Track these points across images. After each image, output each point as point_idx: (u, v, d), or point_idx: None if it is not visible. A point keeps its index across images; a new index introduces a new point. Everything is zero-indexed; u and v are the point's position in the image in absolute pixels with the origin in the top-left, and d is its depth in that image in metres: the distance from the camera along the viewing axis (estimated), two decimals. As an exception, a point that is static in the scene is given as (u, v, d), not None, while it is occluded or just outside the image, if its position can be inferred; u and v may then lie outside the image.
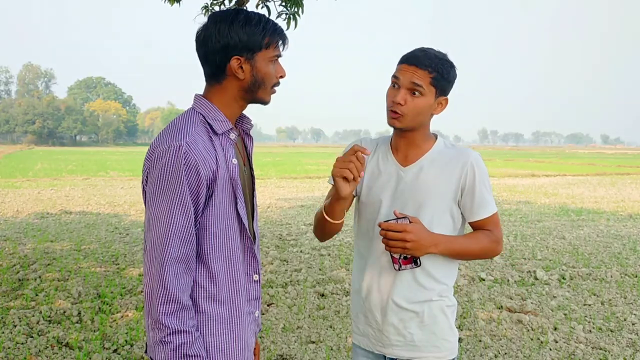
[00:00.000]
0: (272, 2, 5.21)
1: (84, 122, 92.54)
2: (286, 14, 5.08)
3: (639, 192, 15.28)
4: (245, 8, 5.75)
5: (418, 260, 1.52)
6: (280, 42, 1.40)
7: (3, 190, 13.68)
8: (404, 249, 1.45)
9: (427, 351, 1.58)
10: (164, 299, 1.23)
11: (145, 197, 1.31)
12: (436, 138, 1.63)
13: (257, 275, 1.48)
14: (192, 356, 1.27)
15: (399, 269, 1.53)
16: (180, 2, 5.56)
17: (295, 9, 5.04)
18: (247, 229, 1.42)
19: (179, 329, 1.25)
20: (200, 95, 1.42)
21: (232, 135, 1.41)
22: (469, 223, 1.62)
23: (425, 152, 1.59)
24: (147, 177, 1.31)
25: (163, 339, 1.24)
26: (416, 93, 1.49)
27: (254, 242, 1.47)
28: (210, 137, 1.35)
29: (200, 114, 1.37)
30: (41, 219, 9.01)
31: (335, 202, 1.56)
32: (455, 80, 1.57)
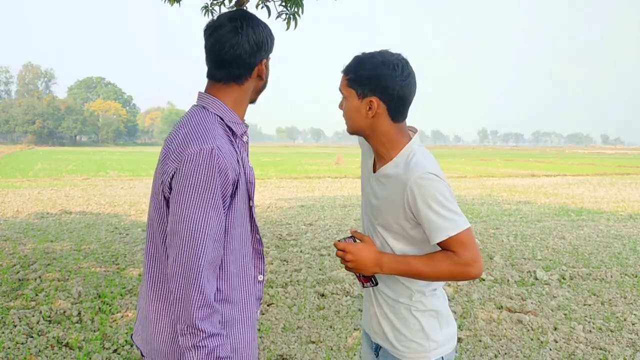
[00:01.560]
0: (272, 2, 5.20)
1: (84, 122, 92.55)
2: (286, 14, 5.08)
3: (639, 192, 15.27)
4: (245, 8, 5.76)
5: (373, 279, 1.55)
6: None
7: (3, 190, 13.68)
8: (347, 268, 1.50)
9: (398, 347, 1.60)
10: (200, 304, 1.22)
11: (170, 200, 1.27)
12: (405, 145, 1.53)
13: (262, 276, 1.49)
14: (223, 358, 1.27)
15: (363, 287, 1.60)
16: (180, 2, 5.56)
17: (295, 9, 5.04)
18: (259, 231, 1.44)
19: (213, 332, 1.25)
20: (210, 94, 1.38)
21: (245, 138, 1.41)
22: None
23: (386, 162, 1.54)
24: (172, 178, 1.26)
25: (198, 344, 1.23)
26: (343, 99, 1.55)
27: (262, 244, 1.48)
28: (230, 139, 1.34)
29: (217, 115, 1.35)
30: (41, 219, 9.01)
31: None
32: (385, 77, 1.45)
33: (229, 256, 1.34)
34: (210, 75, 1.40)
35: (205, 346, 1.23)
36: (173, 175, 1.25)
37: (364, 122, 1.51)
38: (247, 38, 1.32)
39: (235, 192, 1.31)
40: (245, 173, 1.35)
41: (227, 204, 1.29)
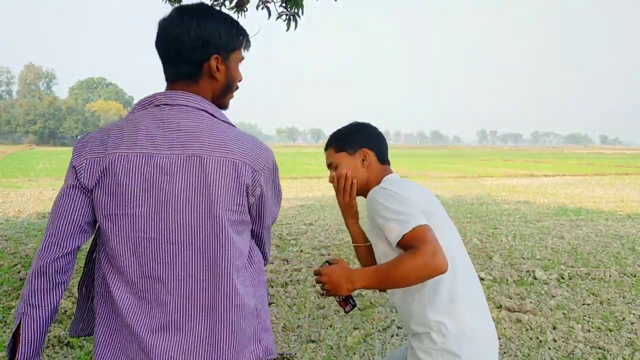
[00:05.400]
0: (272, 3, 5.23)
1: (85, 122, 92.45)
2: (286, 14, 5.10)
3: (637, 192, 15.28)
4: (246, 9, 5.70)
5: (351, 300, 1.64)
6: (247, 45, 1.36)
7: (4, 190, 13.69)
8: (325, 290, 1.56)
9: None
10: None
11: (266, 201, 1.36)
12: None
13: None
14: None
15: (345, 312, 1.67)
16: (181, 3, 5.58)
17: (295, 10, 5.06)
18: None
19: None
20: (198, 95, 1.27)
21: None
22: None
23: None
24: (262, 184, 1.31)
25: None
26: (337, 167, 1.76)
27: None
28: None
29: (225, 122, 1.31)
30: (42, 218, 9.03)
31: (351, 224, 1.83)
32: (364, 129, 1.78)
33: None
34: (165, 73, 1.30)
35: None
36: (264, 182, 1.37)
37: (363, 174, 1.74)
38: (188, 31, 1.22)
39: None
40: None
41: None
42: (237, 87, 1.37)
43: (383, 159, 1.78)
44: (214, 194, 1.18)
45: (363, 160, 1.73)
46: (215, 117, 1.27)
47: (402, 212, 1.50)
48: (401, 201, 1.54)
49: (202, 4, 1.30)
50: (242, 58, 1.35)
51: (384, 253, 1.63)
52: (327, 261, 1.61)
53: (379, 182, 1.71)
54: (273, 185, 1.35)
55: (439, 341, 1.49)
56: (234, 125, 1.31)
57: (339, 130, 1.80)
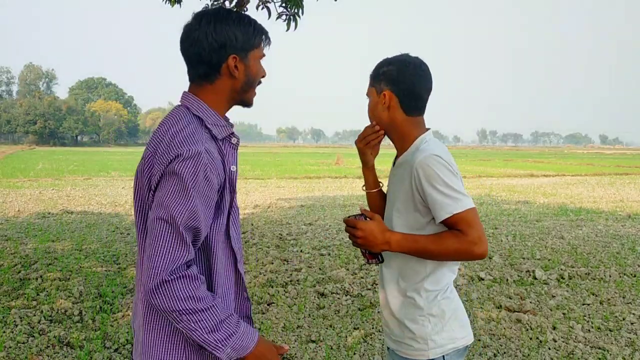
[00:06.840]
0: (272, 3, 5.23)
1: (85, 122, 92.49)
2: (286, 14, 5.11)
3: (637, 192, 15.29)
4: (246, 9, 5.72)
5: (379, 257, 1.60)
6: (267, 41, 1.41)
7: (4, 190, 13.70)
8: (356, 244, 1.55)
9: (403, 347, 1.62)
10: None
11: (153, 200, 1.24)
12: (419, 136, 1.63)
13: None
14: None
15: (367, 263, 1.65)
16: (181, 3, 5.60)
17: (295, 10, 5.07)
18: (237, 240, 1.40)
19: None
20: (194, 95, 1.35)
21: (234, 140, 1.37)
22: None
23: (401, 154, 1.65)
24: (159, 181, 1.22)
25: None
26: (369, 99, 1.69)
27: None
28: (215, 142, 1.31)
29: (198, 117, 1.31)
30: (42, 218, 9.03)
31: (364, 171, 1.77)
32: (396, 72, 1.58)
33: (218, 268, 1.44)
34: (188, 75, 1.39)
35: None
36: (162, 178, 1.23)
37: (383, 115, 1.62)
38: (205, 34, 1.29)
39: (221, 196, 1.36)
40: (227, 177, 1.33)
41: (213, 211, 1.34)
42: (260, 82, 1.43)
43: (410, 109, 1.59)
44: (142, 191, 1.31)
45: (383, 102, 1.60)
46: (191, 111, 1.33)
47: (457, 190, 1.49)
48: (457, 177, 1.51)
49: (221, 8, 1.37)
50: (263, 55, 1.41)
51: (415, 220, 1.55)
52: (362, 214, 1.56)
53: (406, 137, 1.61)
54: (172, 175, 1.19)
55: (425, 307, 1.56)
56: (203, 119, 1.31)
57: (383, 60, 1.64)
